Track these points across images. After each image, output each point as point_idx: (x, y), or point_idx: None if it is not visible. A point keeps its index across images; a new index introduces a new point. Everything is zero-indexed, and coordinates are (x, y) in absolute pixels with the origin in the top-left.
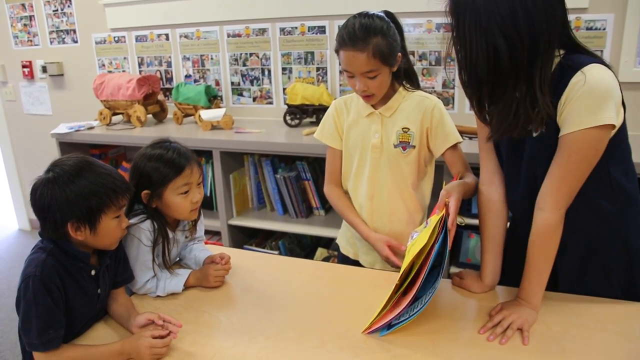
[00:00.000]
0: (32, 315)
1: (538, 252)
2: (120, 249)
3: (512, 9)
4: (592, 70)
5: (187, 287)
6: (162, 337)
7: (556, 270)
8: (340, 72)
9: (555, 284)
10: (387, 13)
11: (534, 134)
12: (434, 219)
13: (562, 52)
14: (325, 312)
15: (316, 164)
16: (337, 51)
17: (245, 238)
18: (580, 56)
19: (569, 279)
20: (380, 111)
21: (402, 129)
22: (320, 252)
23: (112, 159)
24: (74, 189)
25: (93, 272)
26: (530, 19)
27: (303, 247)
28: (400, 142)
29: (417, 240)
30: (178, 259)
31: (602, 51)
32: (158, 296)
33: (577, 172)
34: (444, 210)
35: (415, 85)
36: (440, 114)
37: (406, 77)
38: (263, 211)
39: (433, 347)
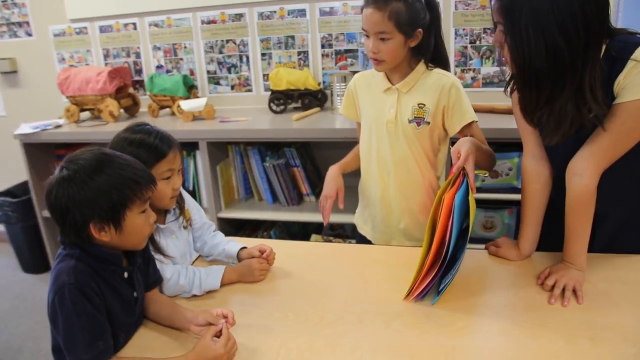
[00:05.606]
0: (76, 328)
1: (578, 217)
2: (147, 248)
3: (571, 10)
4: None
5: (225, 283)
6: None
7: (594, 235)
8: (323, 55)
9: (591, 245)
10: None
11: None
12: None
13: None
14: (375, 291)
15: (303, 150)
16: (362, 10)
17: (233, 231)
18: (623, 36)
19: (606, 242)
20: (397, 87)
21: (418, 104)
22: (315, 238)
23: None
24: (93, 185)
25: (126, 275)
26: (587, 20)
27: (292, 235)
28: (415, 117)
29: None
30: (209, 258)
31: None
32: (194, 296)
33: (628, 139)
34: (461, 169)
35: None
36: (457, 93)
37: (437, 61)
38: (251, 201)
39: (476, 315)
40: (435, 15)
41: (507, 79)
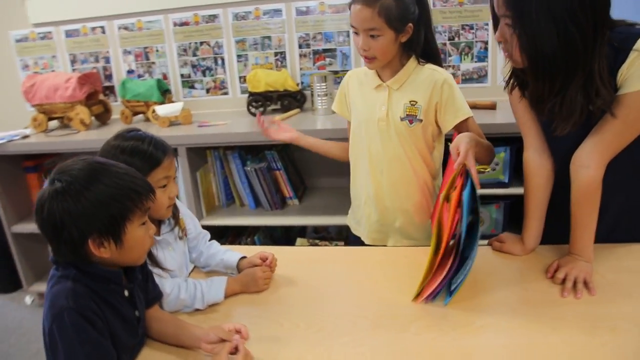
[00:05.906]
0: (80, 356)
1: (585, 208)
2: (145, 262)
3: None
4: None
5: (228, 295)
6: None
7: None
8: (300, 56)
9: None
10: None
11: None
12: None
13: None
14: (384, 294)
15: (284, 153)
16: (349, 6)
17: (215, 238)
18: (623, 27)
19: (605, 234)
20: (388, 84)
21: (410, 102)
22: (300, 242)
23: (48, 170)
24: (90, 197)
25: (127, 293)
26: (594, 4)
27: (275, 240)
28: (407, 115)
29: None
30: (206, 269)
31: None
32: (196, 310)
33: (633, 130)
34: (462, 166)
35: (437, 64)
36: (450, 89)
37: (428, 55)
38: (232, 207)
39: (492, 313)
40: (425, 8)
41: (507, 76)
